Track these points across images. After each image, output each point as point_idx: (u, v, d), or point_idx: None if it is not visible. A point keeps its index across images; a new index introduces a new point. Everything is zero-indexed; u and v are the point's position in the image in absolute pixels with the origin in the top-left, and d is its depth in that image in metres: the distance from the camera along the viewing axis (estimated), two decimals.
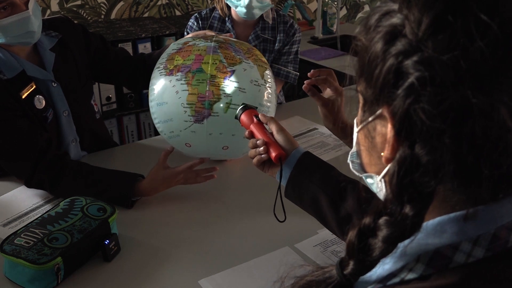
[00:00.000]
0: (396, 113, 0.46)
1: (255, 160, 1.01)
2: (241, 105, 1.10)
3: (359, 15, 3.99)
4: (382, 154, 0.50)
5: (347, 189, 0.91)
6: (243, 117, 1.07)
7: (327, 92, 1.21)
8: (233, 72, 1.35)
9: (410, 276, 0.48)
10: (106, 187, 1.37)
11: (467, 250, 0.46)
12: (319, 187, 0.93)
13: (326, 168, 0.95)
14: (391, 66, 0.46)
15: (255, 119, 1.05)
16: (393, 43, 0.46)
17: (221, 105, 1.33)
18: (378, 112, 0.49)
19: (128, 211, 1.36)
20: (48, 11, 2.80)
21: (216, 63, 1.35)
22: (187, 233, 1.28)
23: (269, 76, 1.45)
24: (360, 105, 0.55)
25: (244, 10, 1.84)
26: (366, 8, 4.00)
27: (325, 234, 1.24)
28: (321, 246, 1.20)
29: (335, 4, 3.25)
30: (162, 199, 1.41)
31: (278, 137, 0.99)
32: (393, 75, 0.46)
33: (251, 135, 1.03)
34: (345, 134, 1.21)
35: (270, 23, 1.99)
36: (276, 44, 2.01)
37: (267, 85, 1.42)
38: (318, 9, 3.18)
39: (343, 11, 3.86)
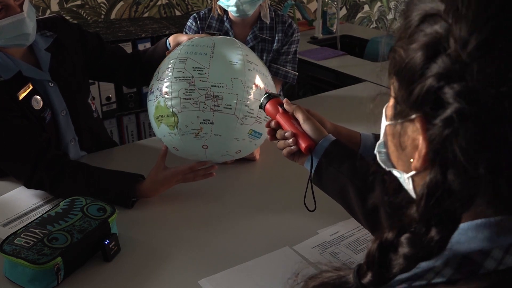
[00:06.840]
0: (432, 141, 0.44)
1: (285, 151, 1.00)
2: (265, 94, 1.08)
3: (359, 15, 3.99)
4: (411, 160, 0.48)
5: (376, 180, 0.86)
6: (268, 107, 1.05)
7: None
8: None
9: (437, 279, 0.46)
10: (106, 187, 1.37)
11: (498, 258, 0.45)
12: (347, 177, 0.92)
13: (355, 158, 0.94)
14: (431, 88, 0.43)
15: (280, 109, 1.03)
16: (435, 59, 0.43)
17: None
18: (411, 117, 0.47)
19: (128, 211, 1.36)
20: (48, 11, 2.79)
21: None
22: (187, 233, 1.28)
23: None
24: (391, 100, 0.52)
25: (234, 8, 1.84)
26: (366, 8, 4.00)
27: (324, 235, 1.24)
28: (320, 247, 1.20)
29: (335, 4, 3.25)
30: (162, 199, 1.40)
31: (305, 126, 0.98)
32: (432, 99, 0.43)
33: (278, 126, 1.03)
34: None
35: (268, 22, 1.98)
36: (275, 44, 2.00)
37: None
38: (318, 9, 3.18)
39: (343, 11, 3.85)
